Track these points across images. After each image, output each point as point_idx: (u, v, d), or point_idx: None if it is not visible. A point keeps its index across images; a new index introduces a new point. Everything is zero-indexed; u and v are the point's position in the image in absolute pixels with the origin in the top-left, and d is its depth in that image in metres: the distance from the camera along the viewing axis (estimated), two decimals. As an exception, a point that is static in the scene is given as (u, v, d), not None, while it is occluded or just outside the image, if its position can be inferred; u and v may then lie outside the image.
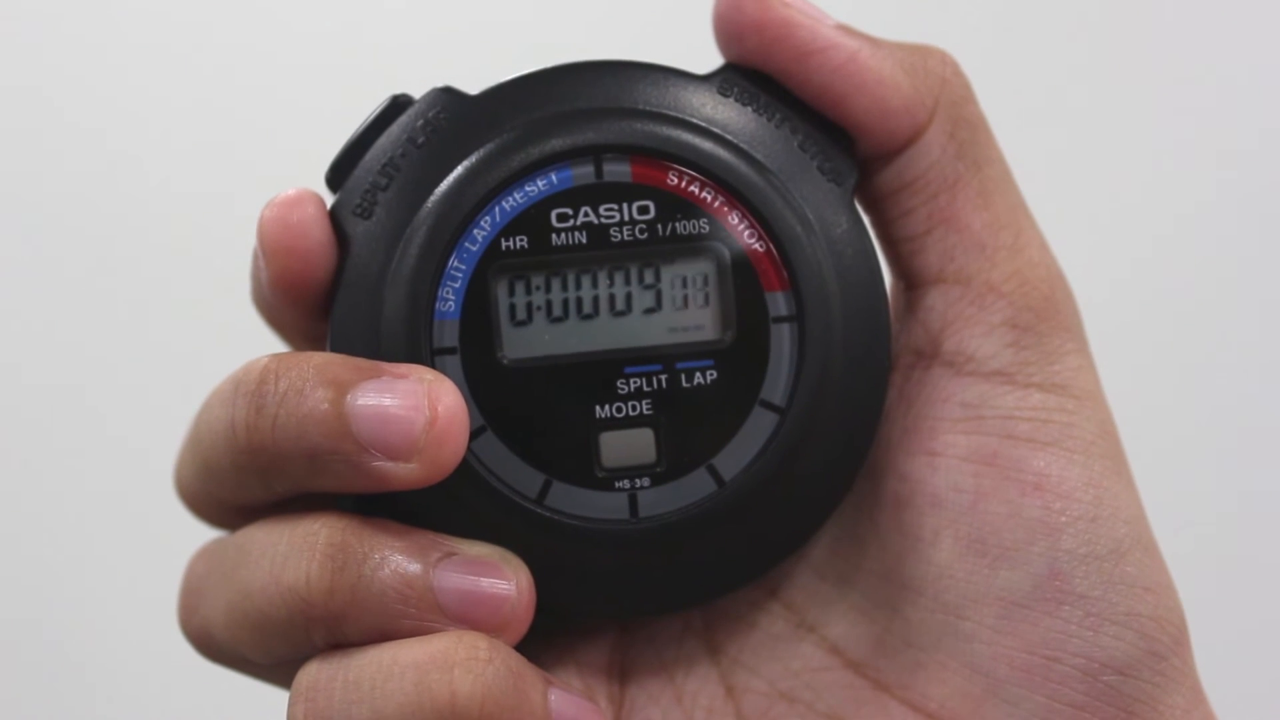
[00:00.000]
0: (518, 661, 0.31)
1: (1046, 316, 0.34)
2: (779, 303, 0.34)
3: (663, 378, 0.34)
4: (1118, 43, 0.86)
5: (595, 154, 0.34)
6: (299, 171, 0.37)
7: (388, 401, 0.31)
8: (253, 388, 0.32)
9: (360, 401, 0.31)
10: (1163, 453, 0.70)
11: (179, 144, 0.84)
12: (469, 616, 0.32)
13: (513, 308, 0.34)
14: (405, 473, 0.31)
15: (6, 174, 0.85)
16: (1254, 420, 0.85)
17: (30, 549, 0.84)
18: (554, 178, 0.34)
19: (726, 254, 0.34)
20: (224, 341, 0.40)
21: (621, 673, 0.36)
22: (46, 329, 0.84)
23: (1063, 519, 0.33)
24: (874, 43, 0.34)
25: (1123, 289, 0.82)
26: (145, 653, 0.80)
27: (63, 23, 0.84)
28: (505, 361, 0.33)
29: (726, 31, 0.35)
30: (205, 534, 0.37)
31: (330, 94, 0.67)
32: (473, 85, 0.35)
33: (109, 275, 0.84)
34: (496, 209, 0.33)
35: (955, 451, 0.34)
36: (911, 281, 0.36)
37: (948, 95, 0.35)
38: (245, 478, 0.33)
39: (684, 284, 0.34)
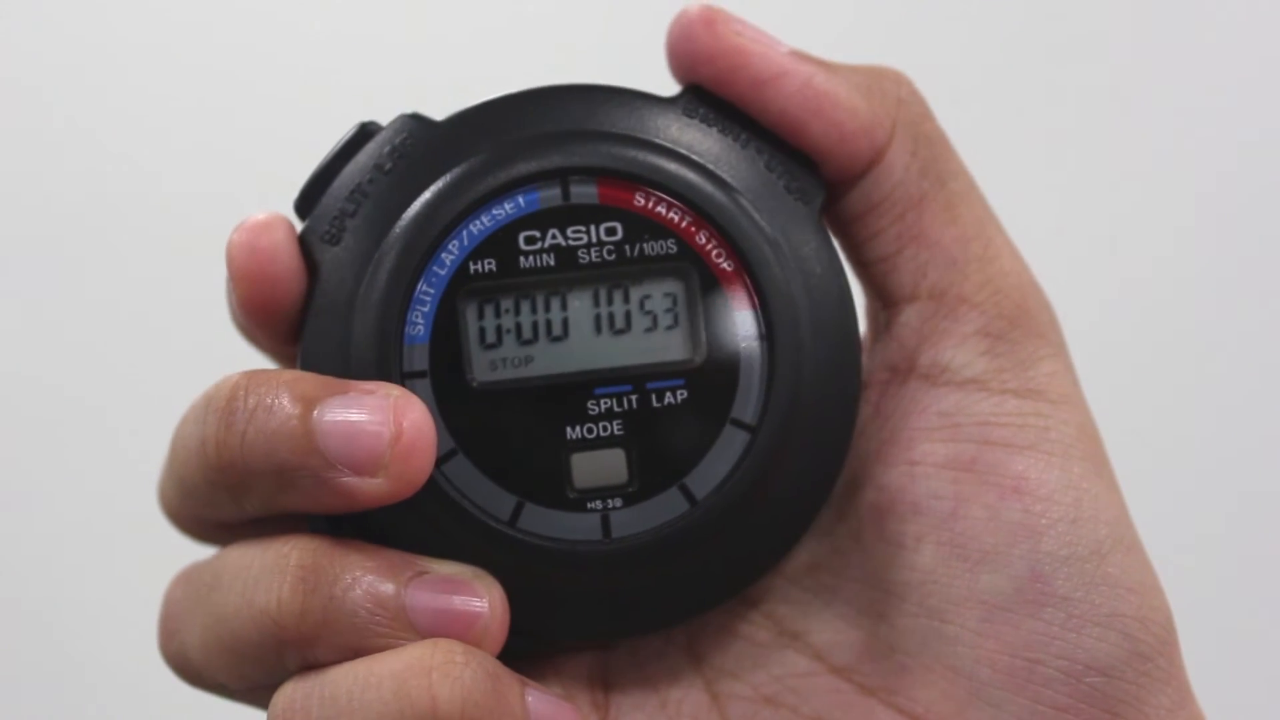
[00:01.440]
0: (494, 665, 0.31)
1: (1020, 323, 0.34)
2: (748, 322, 0.34)
3: (633, 398, 0.34)
4: (1098, 48, 0.87)
5: (562, 176, 0.34)
6: (281, 191, 0.37)
7: (354, 416, 0.31)
8: (223, 404, 0.32)
9: (327, 417, 0.31)
10: (1160, 455, 0.69)
11: (162, 172, 0.84)
12: (442, 635, 0.31)
13: (482, 330, 0.34)
14: (372, 488, 0.31)
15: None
16: (1250, 423, 0.84)
17: (30, 548, 0.83)
18: (521, 200, 0.34)
19: (695, 274, 0.34)
20: (222, 345, 0.40)
21: (605, 683, 0.36)
22: (43, 329, 0.84)
23: (1043, 521, 0.32)
24: (828, 67, 0.35)
25: (1117, 297, 0.82)
26: (144, 651, 0.79)
27: (61, 26, 0.85)
28: (475, 384, 0.33)
29: (680, 62, 0.35)
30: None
31: (304, 120, 0.68)
32: (440, 111, 0.35)
33: (106, 277, 0.84)
34: (464, 233, 0.34)
35: (933, 459, 0.34)
36: (887, 300, 0.36)
37: (905, 115, 0.35)
38: (218, 495, 0.32)
39: (653, 304, 0.34)
